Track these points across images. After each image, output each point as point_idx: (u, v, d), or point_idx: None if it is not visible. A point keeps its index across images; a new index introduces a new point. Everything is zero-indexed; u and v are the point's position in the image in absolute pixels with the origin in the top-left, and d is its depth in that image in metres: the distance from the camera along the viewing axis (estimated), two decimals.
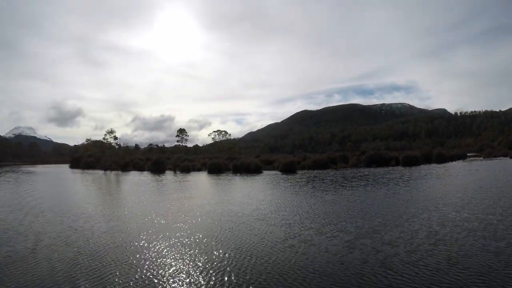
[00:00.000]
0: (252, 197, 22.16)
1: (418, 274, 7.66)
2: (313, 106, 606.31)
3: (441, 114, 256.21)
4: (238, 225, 13.71)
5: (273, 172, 47.32)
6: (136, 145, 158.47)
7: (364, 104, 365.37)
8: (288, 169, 46.92)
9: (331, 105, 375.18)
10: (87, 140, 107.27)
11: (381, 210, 16.04)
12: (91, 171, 68.42)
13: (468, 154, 77.68)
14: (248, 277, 7.85)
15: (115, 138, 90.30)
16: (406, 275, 7.59)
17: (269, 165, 54.42)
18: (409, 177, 31.75)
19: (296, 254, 9.51)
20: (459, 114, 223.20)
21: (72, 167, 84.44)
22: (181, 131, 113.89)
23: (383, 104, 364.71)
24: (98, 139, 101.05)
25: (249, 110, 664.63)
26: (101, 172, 64.15)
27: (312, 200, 20.46)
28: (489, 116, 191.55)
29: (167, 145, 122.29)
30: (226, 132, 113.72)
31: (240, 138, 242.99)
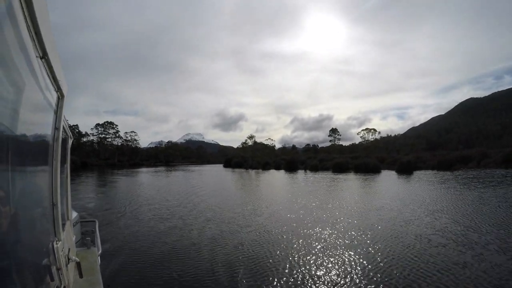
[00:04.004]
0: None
1: None
2: (482, 92, 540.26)
3: None
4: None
5: (391, 172, 48.19)
6: (294, 146, 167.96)
7: None
8: (404, 169, 47.32)
9: (501, 89, 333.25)
10: (243, 143, 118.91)
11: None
12: (237, 169, 78.20)
13: None
14: None
15: (255, 142, 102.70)
16: None
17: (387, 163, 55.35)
18: None
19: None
20: None
21: (225, 166, 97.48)
22: (333, 131, 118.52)
23: None
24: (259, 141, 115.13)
25: (411, 103, 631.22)
26: (244, 170, 72.82)
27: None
28: None
29: (325, 144, 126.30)
30: (375, 130, 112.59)
31: (401, 134, 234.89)
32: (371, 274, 8.07)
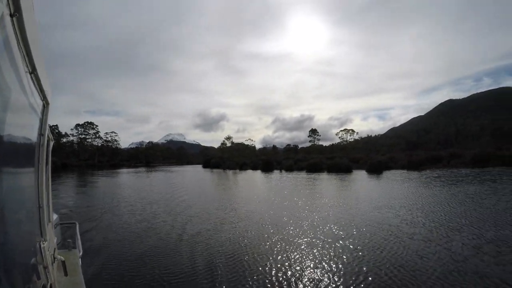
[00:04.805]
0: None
1: None
2: (461, 93, 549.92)
3: None
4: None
5: (362, 171, 49.31)
6: (274, 146, 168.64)
7: None
8: (374, 169, 48.43)
9: (480, 90, 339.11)
10: (221, 144, 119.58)
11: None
12: (216, 170, 78.85)
13: None
14: None
15: (232, 143, 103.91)
16: None
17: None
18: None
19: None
20: None
21: (204, 167, 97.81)
22: (313, 131, 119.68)
23: None
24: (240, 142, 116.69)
25: (392, 104, 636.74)
26: (222, 170, 73.50)
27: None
28: None
29: (306, 144, 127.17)
30: (353, 131, 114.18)
31: (381, 135, 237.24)
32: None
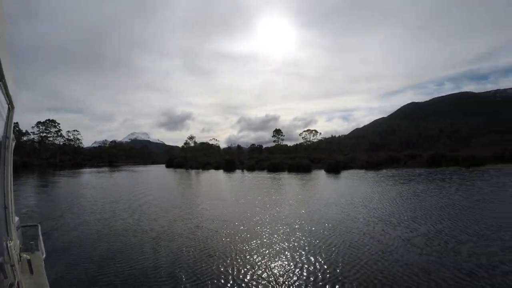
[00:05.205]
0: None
1: None
2: (423, 96, 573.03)
3: None
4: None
5: (321, 171, 50.22)
6: (239, 146, 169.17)
7: (476, 92, 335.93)
8: (332, 169, 49.28)
9: (442, 94, 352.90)
10: (185, 143, 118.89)
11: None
12: (179, 169, 78.23)
13: None
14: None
15: (195, 142, 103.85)
16: None
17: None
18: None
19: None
20: None
21: (167, 166, 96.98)
22: (277, 132, 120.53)
23: (497, 90, 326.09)
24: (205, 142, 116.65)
25: (357, 105, 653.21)
26: (184, 170, 73.19)
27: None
28: None
29: (271, 144, 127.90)
30: (316, 131, 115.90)
31: (345, 135, 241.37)
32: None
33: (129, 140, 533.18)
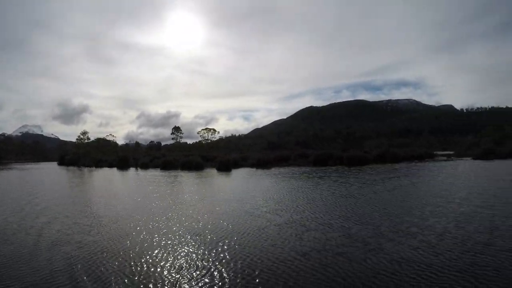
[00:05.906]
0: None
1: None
2: (321, 102, 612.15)
3: (447, 111, 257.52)
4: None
5: (213, 169, 51.27)
6: (137, 143, 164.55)
7: (371, 100, 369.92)
8: (223, 167, 50.43)
9: (339, 101, 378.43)
10: (77, 139, 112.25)
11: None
12: (71, 167, 74.47)
13: (440, 153, 77.88)
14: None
15: (88, 138, 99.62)
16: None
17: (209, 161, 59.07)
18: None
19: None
20: (465, 111, 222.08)
21: (59, 164, 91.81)
22: (176, 129, 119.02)
23: (389, 100, 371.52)
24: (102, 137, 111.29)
25: (258, 106, 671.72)
26: (77, 168, 69.96)
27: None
28: (495, 113, 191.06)
29: (171, 141, 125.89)
30: (214, 130, 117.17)
31: (245, 135, 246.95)
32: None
33: (20, 134, 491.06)
